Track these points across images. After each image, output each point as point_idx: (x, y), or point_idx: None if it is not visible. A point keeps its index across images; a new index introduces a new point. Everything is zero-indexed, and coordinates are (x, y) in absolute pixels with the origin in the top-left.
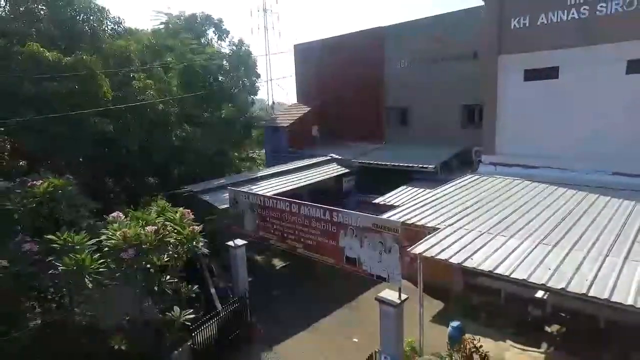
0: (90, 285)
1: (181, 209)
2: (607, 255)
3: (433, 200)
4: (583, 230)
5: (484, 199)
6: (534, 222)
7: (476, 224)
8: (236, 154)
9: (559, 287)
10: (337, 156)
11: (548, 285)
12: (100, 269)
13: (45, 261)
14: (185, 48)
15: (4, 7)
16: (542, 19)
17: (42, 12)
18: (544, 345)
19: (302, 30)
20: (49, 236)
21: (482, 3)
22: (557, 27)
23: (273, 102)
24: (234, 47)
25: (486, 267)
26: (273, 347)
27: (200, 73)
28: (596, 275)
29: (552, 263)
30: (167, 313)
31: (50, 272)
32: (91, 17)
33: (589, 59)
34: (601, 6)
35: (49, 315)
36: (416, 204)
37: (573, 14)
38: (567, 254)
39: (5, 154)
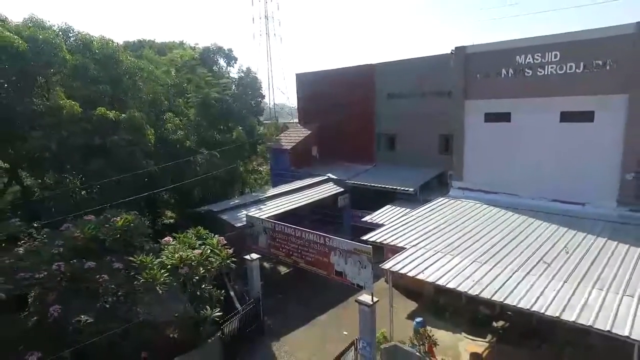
0: (160, 292)
1: (217, 236)
2: (516, 271)
3: (406, 223)
4: (509, 250)
5: (446, 222)
6: (477, 244)
7: (434, 244)
8: (243, 167)
9: (475, 293)
10: (333, 176)
11: (469, 292)
12: (166, 281)
13: (129, 275)
14: (202, 81)
15: (71, 75)
16: (497, 74)
17: (100, 76)
18: (489, 337)
19: (302, 35)
20: (130, 258)
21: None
22: (509, 82)
23: (274, 105)
24: (242, 74)
25: (431, 279)
26: (280, 339)
27: (214, 104)
28: (502, 285)
29: (477, 276)
30: (201, 311)
31: (135, 282)
32: (134, 74)
33: (532, 108)
34: (540, 69)
35: (122, 313)
36: (393, 226)
37: (520, 73)
38: (490, 270)
39: (77, 189)
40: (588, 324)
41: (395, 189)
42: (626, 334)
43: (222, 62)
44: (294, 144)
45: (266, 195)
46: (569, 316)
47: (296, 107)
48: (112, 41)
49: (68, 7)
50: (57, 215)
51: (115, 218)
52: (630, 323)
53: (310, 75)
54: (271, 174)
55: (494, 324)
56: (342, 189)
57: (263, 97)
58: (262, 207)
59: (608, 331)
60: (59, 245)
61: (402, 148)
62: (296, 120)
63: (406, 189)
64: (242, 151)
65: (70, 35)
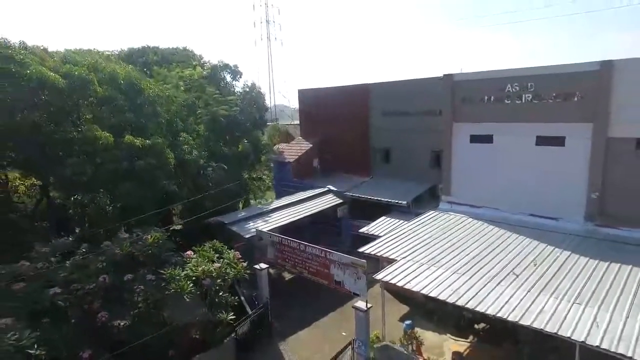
0: (187, 300)
1: (233, 251)
2: (489, 281)
3: (398, 236)
4: (486, 262)
5: (433, 235)
6: (458, 256)
7: (421, 257)
8: (247, 175)
9: (453, 301)
10: (333, 188)
11: (448, 300)
12: (191, 291)
13: (159, 285)
14: (210, 99)
15: (102, 108)
16: (480, 100)
17: (125, 105)
18: (471, 337)
19: (304, 39)
20: (160, 271)
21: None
22: (491, 107)
23: (275, 107)
24: (247, 89)
25: (417, 288)
26: (286, 339)
27: (222, 121)
28: (476, 294)
29: (456, 286)
30: (218, 315)
31: (166, 292)
32: (154, 101)
33: (512, 131)
34: (518, 97)
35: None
36: (386, 239)
37: (500, 100)
38: (467, 280)
39: (107, 206)
40: (540, 328)
41: (390, 201)
42: (568, 335)
43: (228, 77)
44: (296, 156)
45: (271, 208)
46: (526, 321)
47: (296, 108)
48: (134, 70)
49: (72, 12)
50: (89, 228)
51: (146, 236)
52: (574, 326)
53: (311, 91)
54: (275, 184)
55: (476, 326)
56: (341, 201)
57: (267, 109)
58: (267, 219)
59: (554, 333)
60: (102, 260)
61: (396, 162)
62: (296, 121)
63: (399, 202)
64: (247, 161)
65: (98, 68)
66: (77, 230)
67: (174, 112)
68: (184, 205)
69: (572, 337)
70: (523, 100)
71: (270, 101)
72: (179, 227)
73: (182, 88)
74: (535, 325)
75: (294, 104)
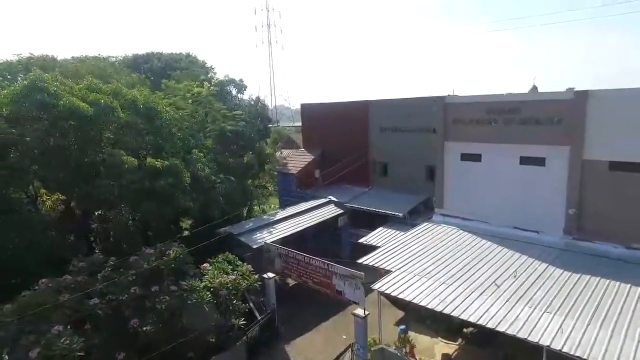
0: (207, 310)
1: (245, 264)
2: (473, 291)
3: (393, 248)
4: (472, 273)
5: (425, 247)
6: (446, 268)
7: (413, 268)
8: (251, 184)
9: (440, 309)
10: (334, 199)
11: (436, 308)
12: (210, 300)
13: (181, 295)
14: (217, 114)
15: (124, 131)
16: (470, 122)
17: (145, 129)
18: (460, 340)
19: (304, 44)
20: (182, 282)
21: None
22: (479, 129)
23: (276, 108)
24: (252, 102)
25: (409, 298)
26: (291, 342)
27: (229, 136)
28: (461, 303)
29: (443, 296)
30: (231, 320)
31: (188, 302)
32: (171, 124)
33: (498, 152)
34: (503, 122)
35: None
36: (382, 250)
37: (487, 122)
38: (453, 290)
39: (130, 221)
40: (513, 333)
41: (387, 213)
42: (536, 340)
43: (234, 91)
44: (299, 168)
45: (276, 218)
46: (502, 327)
47: (296, 109)
48: (152, 94)
49: (73, 16)
50: (113, 242)
51: (169, 251)
52: (542, 332)
53: (313, 106)
54: (279, 195)
55: (465, 330)
56: (341, 211)
57: (270, 120)
58: (272, 230)
59: (525, 338)
60: (132, 273)
61: (393, 174)
62: (297, 123)
63: (396, 213)
64: (251, 171)
65: (120, 94)
66: (98, 241)
67: (186, 130)
68: (194, 217)
69: (540, 342)
70: (508, 123)
71: (271, 103)
72: (186, 233)
73: (189, 100)
74: (510, 331)
75: (295, 105)
